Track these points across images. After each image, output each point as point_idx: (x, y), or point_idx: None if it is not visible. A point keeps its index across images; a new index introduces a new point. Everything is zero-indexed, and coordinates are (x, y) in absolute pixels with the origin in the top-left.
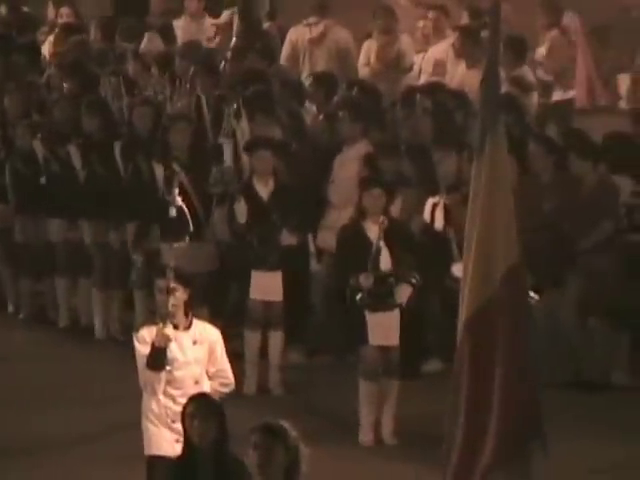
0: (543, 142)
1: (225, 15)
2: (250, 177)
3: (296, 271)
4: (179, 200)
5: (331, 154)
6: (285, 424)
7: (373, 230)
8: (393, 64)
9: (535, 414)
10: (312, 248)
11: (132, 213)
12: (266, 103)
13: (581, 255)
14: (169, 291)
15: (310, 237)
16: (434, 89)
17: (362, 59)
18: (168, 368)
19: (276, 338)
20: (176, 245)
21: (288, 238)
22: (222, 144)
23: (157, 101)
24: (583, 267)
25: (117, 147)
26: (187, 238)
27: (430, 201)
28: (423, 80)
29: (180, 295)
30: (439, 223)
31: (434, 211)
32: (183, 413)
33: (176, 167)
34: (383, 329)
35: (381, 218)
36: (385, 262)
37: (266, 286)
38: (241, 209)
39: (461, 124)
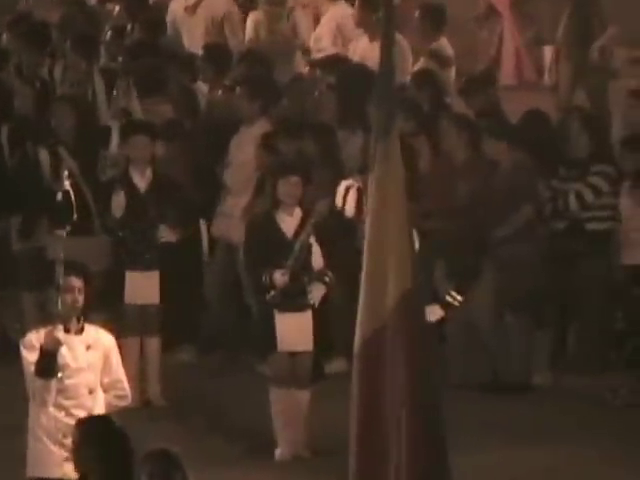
0: (455, 119)
1: None
2: (126, 166)
3: (183, 267)
4: (67, 184)
5: (228, 134)
6: (176, 449)
7: (287, 222)
8: (288, 39)
9: (438, 448)
10: (205, 238)
11: (18, 204)
12: (156, 78)
13: (497, 243)
14: (60, 288)
15: (204, 225)
16: (337, 63)
17: (250, 33)
18: (59, 375)
19: (152, 345)
20: (59, 233)
21: (167, 234)
22: (111, 127)
23: (42, 79)
24: (499, 257)
25: (4, 130)
26: (69, 227)
27: (343, 184)
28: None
29: (82, 294)
30: (350, 209)
31: (346, 195)
32: None
33: (62, 152)
34: (293, 333)
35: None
36: (318, 261)
37: (141, 288)
38: (119, 202)
39: (366, 100)
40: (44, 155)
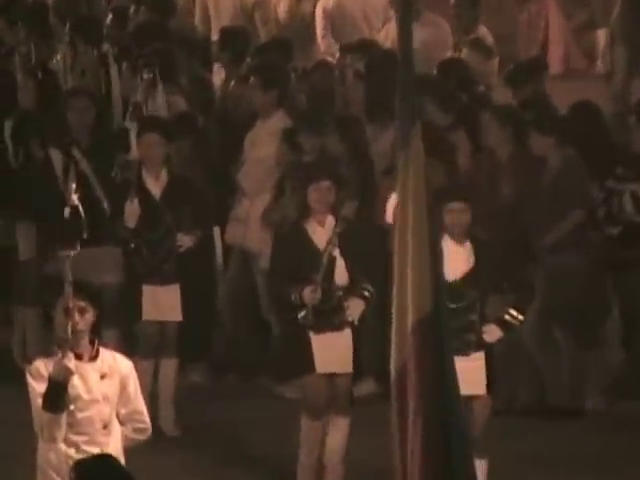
0: (497, 112)
1: None
2: (139, 169)
3: (195, 278)
4: (75, 198)
5: (242, 129)
6: None
7: (319, 232)
8: (308, 22)
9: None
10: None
11: (23, 211)
12: (167, 66)
13: (544, 251)
14: (68, 311)
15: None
16: (367, 48)
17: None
18: (71, 408)
19: (169, 367)
20: (66, 253)
21: (184, 241)
22: (129, 129)
23: (46, 69)
24: (546, 265)
25: (7, 127)
26: (78, 246)
27: (394, 197)
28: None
29: (85, 316)
30: None
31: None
32: None
33: (76, 154)
34: (332, 354)
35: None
36: (340, 276)
37: (161, 303)
38: (133, 211)
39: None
40: (56, 156)
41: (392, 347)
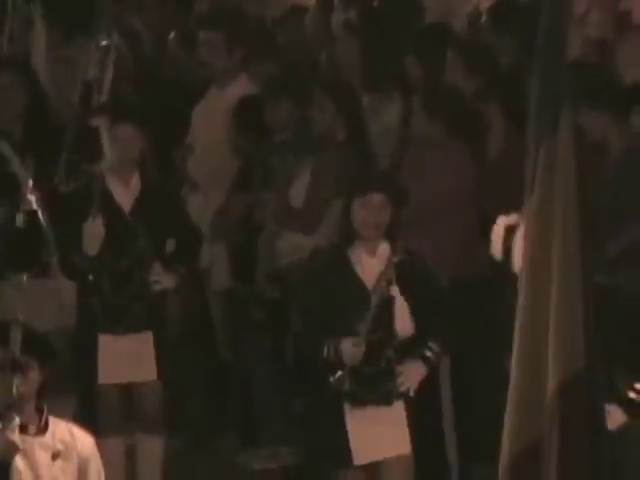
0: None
1: None
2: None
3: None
4: (33, 201)
5: (188, 101)
6: None
7: (367, 265)
8: None
9: None
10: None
11: None
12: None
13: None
14: (13, 367)
15: None
16: None
17: None
18: None
19: (149, 448)
20: (17, 279)
21: (164, 278)
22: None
23: None
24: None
25: None
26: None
27: (502, 221)
28: None
29: (28, 375)
30: (519, 262)
31: (509, 238)
32: None
33: (5, 148)
34: (375, 438)
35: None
36: (404, 325)
37: (126, 359)
38: (96, 232)
39: (406, 48)
40: None
41: (512, 419)
